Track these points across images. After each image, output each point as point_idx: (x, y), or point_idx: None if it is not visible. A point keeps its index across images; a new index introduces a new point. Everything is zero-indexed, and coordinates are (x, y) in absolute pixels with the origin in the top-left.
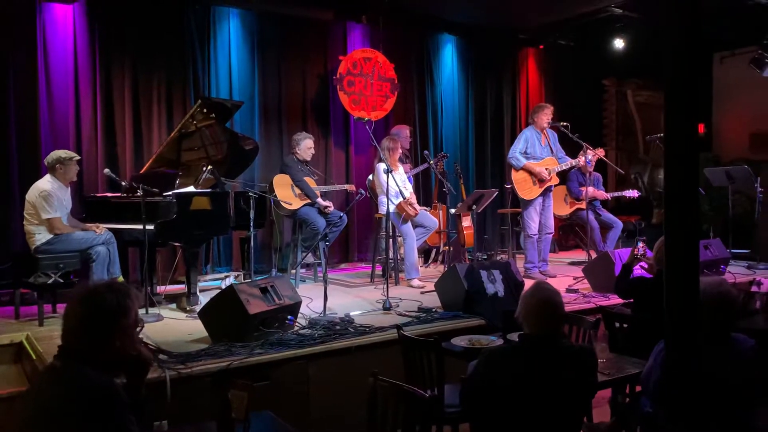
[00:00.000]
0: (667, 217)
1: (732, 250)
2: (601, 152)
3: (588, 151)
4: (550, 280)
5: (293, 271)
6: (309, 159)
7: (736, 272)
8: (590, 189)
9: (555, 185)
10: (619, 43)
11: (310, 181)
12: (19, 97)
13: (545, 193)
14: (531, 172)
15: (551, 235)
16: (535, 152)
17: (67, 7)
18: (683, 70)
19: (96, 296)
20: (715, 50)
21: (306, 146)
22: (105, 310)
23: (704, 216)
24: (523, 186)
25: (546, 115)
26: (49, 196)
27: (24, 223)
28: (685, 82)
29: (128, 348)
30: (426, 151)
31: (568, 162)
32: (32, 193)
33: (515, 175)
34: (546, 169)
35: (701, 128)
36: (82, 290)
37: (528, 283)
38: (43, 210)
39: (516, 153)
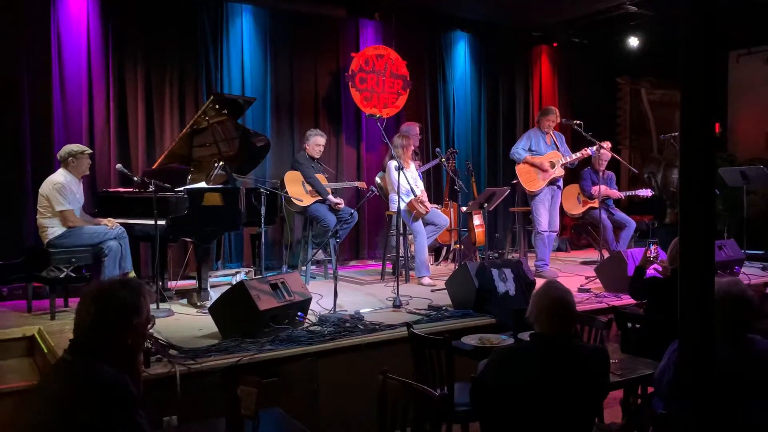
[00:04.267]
0: (681, 216)
1: (746, 251)
2: (606, 145)
3: (593, 147)
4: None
5: (303, 268)
6: (317, 156)
7: (751, 273)
8: (603, 188)
9: (564, 185)
10: (633, 41)
11: (321, 178)
12: (32, 92)
13: (553, 190)
14: (533, 165)
15: (555, 234)
16: (540, 149)
17: (81, 2)
18: (699, 69)
19: (109, 293)
20: (732, 48)
21: (315, 143)
22: (117, 307)
23: (719, 216)
24: (527, 178)
25: (548, 120)
26: (62, 188)
27: (37, 216)
28: (701, 80)
29: (139, 345)
30: (437, 149)
31: (572, 155)
32: (46, 186)
33: (518, 168)
34: (550, 161)
35: (717, 127)
36: (96, 287)
37: (539, 282)
38: (56, 202)
39: (518, 149)
